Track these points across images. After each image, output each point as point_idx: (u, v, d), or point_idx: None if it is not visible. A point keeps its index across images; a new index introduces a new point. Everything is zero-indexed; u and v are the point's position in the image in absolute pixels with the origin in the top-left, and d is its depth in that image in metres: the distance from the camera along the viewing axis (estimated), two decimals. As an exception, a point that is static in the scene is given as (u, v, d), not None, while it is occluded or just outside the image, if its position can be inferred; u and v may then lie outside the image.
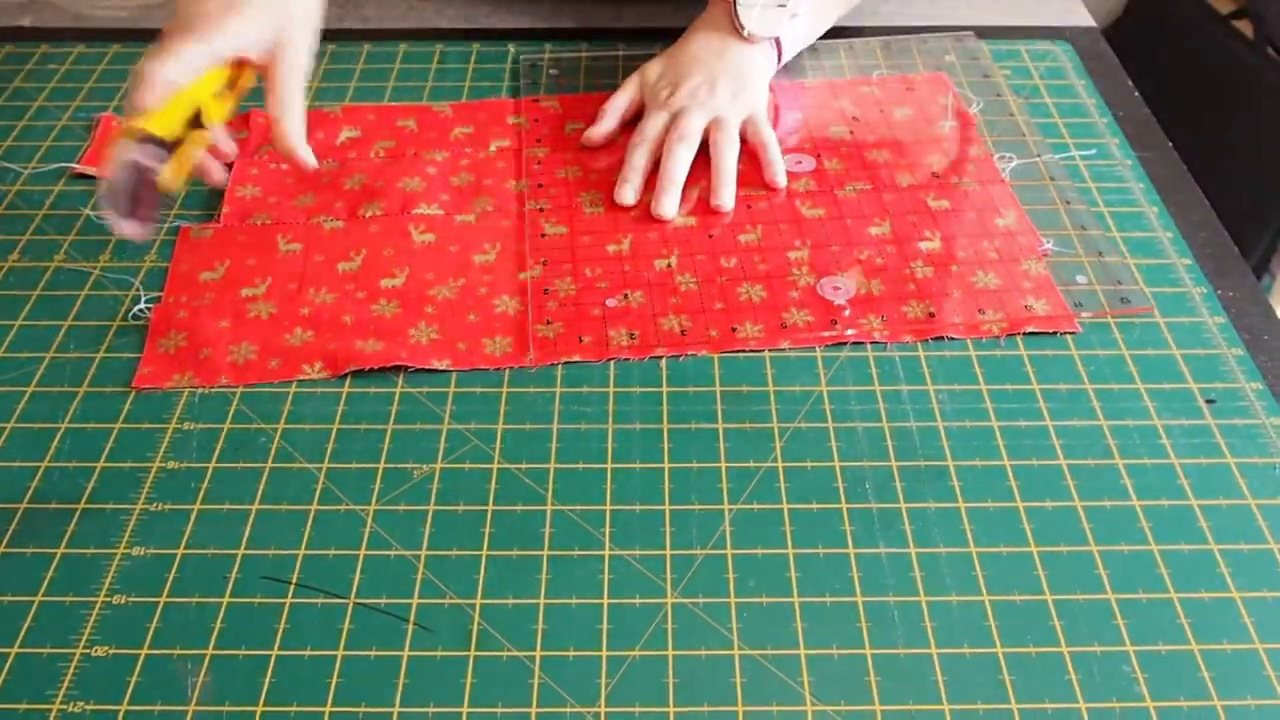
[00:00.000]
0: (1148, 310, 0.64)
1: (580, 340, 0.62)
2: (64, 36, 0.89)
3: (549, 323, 0.63)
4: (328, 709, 0.47)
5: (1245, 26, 1.34)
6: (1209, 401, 0.60)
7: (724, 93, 0.73)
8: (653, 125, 0.72)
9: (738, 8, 0.74)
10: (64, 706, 0.47)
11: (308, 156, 0.65)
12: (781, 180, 0.71)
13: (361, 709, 0.47)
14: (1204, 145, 0.94)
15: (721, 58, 0.74)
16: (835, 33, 0.88)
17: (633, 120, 0.76)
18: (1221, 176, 0.87)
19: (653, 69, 0.77)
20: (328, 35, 0.88)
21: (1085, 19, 0.92)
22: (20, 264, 0.68)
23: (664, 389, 0.60)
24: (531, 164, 0.74)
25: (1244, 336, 0.63)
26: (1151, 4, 1.45)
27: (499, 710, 0.47)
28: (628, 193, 0.70)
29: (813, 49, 0.85)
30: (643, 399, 0.60)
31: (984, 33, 0.89)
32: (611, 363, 0.62)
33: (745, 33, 0.74)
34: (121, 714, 0.47)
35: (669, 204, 0.69)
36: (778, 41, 0.76)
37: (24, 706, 0.47)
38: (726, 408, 0.60)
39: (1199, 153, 0.83)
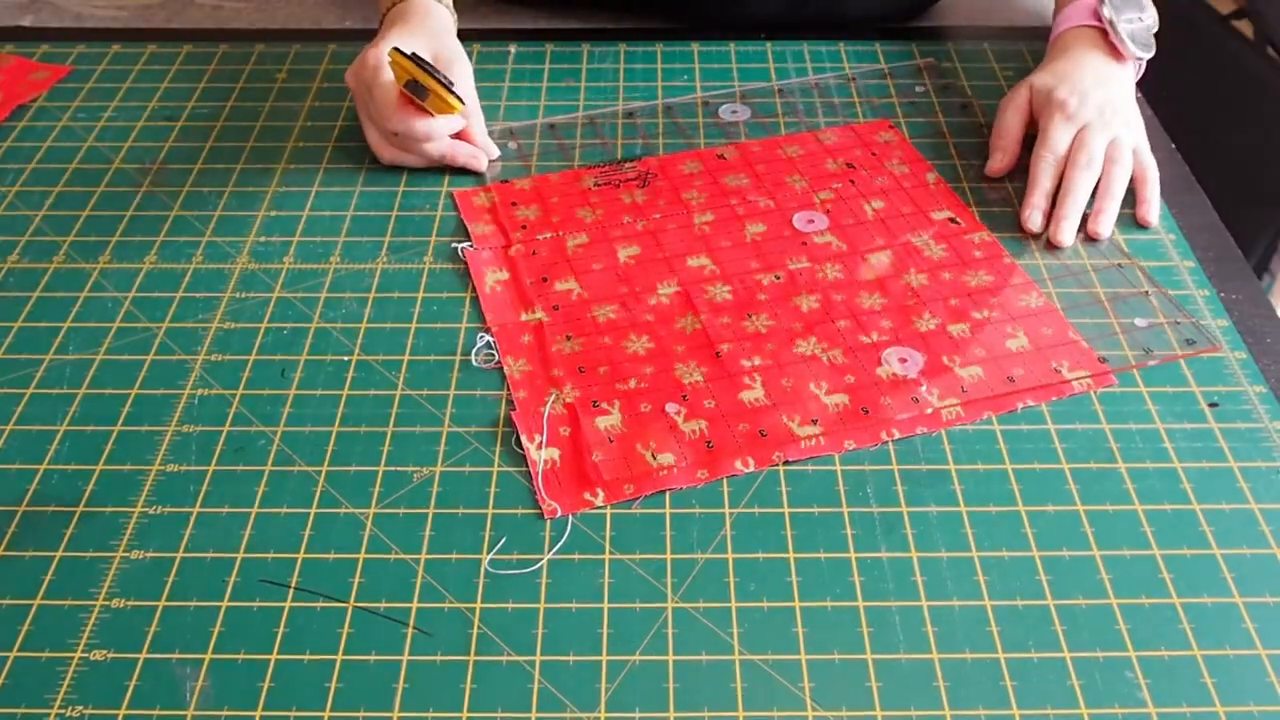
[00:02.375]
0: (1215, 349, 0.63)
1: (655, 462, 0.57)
2: (63, 36, 0.89)
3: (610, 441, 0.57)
4: (327, 713, 0.47)
5: (1245, 26, 1.33)
6: (1212, 405, 0.60)
7: (1119, 119, 0.73)
8: (1061, 138, 0.72)
9: (1120, 31, 0.75)
10: (62, 711, 0.47)
11: (490, 146, 0.76)
12: (1153, 218, 0.71)
13: (361, 713, 0.47)
14: (1204, 146, 0.94)
15: (1112, 84, 0.74)
16: (834, 31, 0.88)
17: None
18: (1221, 177, 0.87)
19: (1045, 79, 0.75)
20: (328, 36, 0.88)
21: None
22: (20, 265, 0.68)
23: (665, 392, 0.60)
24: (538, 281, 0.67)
25: (1247, 340, 0.63)
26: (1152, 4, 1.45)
27: (499, 715, 0.47)
28: (1037, 218, 0.70)
29: (799, 55, 0.85)
30: (643, 402, 0.60)
31: (984, 33, 0.88)
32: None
33: (1133, 54, 0.75)
34: (120, 718, 0.47)
35: (1071, 230, 0.69)
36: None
37: (22, 711, 0.47)
38: (727, 411, 0.59)
39: (1199, 153, 0.83)
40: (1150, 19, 0.77)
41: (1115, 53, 0.76)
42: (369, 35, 0.88)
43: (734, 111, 0.80)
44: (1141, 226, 0.71)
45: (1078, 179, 0.70)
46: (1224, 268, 0.68)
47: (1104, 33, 0.76)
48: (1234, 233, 0.71)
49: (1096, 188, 0.71)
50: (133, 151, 0.77)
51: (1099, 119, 0.72)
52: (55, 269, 0.68)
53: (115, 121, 0.80)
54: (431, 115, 0.71)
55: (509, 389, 0.60)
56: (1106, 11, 0.76)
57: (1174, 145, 0.78)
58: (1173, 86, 1.34)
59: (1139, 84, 0.83)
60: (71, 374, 0.62)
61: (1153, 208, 0.71)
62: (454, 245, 0.69)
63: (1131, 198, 0.72)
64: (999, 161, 0.74)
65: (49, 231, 0.71)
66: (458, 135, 0.74)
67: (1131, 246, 0.69)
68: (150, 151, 0.77)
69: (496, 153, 0.76)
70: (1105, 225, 0.70)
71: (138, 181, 0.75)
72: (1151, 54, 0.76)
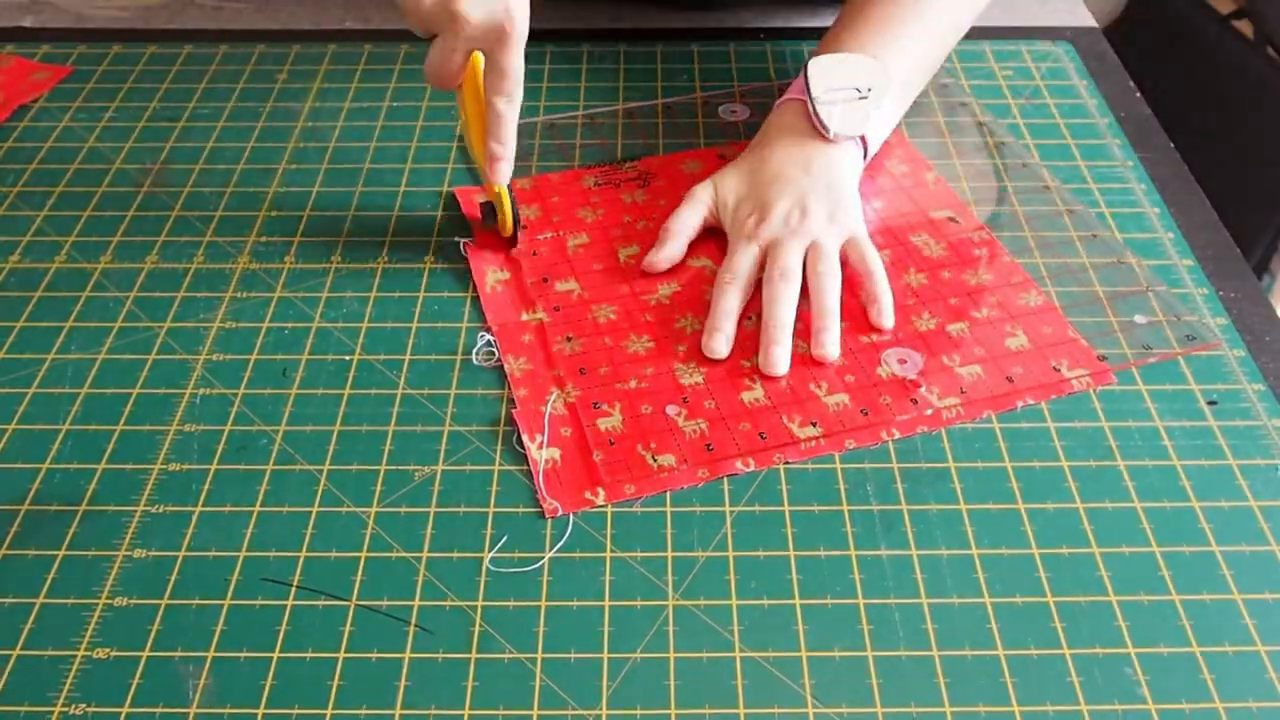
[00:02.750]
0: (1216, 345, 0.63)
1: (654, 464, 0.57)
2: (64, 37, 0.89)
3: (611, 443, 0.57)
4: (329, 711, 0.47)
5: (1245, 26, 1.34)
6: (1211, 403, 0.60)
7: (819, 214, 0.64)
8: (743, 261, 0.63)
9: (817, 108, 0.67)
10: (65, 709, 0.47)
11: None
12: (888, 322, 0.62)
13: (363, 711, 0.47)
14: (1204, 145, 0.94)
15: (808, 170, 0.66)
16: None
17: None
18: (1222, 176, 0.87)
19: (728, 185, 0.68)
20: (328, 36, 0.89)
21: (1086, 19, 0.92)
22: (21, 265, 0.68)
23: (665, 390, 0.60)
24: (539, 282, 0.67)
25: (1246, 338, 0.63)
26: (1151, 4, 1.45)
27: (500, 713, 0.47)
28: (720, 344, 0.61)
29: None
30: (644, 400, 0.60)
31: (984, 33, 0.89)
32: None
33: (831, 134, 0.66)
34: (123, 716, 0.47)
35: (782, 358, 0.60)
36: (863, 137, 0.68)
37: (25, 708, 0.47)
38: (728, 409, 0.59)
39: (1199, 153, 0.83)
40: (878, 95, 0.68)
41: (819, 133, 0.67)
42: (369, 35, 0.88)
43: (733, 111, 0.80)
44: (877, 331, 0.63)
45: (773, 294, 0.62)
46: (1222, 266, 0.68)
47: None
48: (1234, 233, 0.71)
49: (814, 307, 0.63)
50: (134, 152, 0.77)
51: (785, 229, 0.64)
52: (57, 269, 0.68)
53: (116, 122, 0.80)
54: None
55: (509, 388, 0.60)
56: (810, 82, 0.67)
57: (1174, 145, 0.78)
58: (1173, 86, 1.34)
59: (1138, 84, 0.83)
60: (73, 373, 0.62)
61: (883, 308, 0.63)
62: (456, 240, 0.69)
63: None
64: (658, 253, 0.66)
65: (50, 231, 0.71)
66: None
67: (1129, 245, 0.69)
68: (151, 152, 0.77)
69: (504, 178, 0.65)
70: (831, 347, 0.61)
71: (139, 182, 0.75)
72: (860, 133, 0.67)
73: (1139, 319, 0.64)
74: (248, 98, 0.82)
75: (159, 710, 0.47)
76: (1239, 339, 0.63)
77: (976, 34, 0.88)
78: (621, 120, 0.80)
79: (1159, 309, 0.64)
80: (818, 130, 0.67)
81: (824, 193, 0.66)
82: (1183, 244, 0.69)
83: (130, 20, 0.91)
